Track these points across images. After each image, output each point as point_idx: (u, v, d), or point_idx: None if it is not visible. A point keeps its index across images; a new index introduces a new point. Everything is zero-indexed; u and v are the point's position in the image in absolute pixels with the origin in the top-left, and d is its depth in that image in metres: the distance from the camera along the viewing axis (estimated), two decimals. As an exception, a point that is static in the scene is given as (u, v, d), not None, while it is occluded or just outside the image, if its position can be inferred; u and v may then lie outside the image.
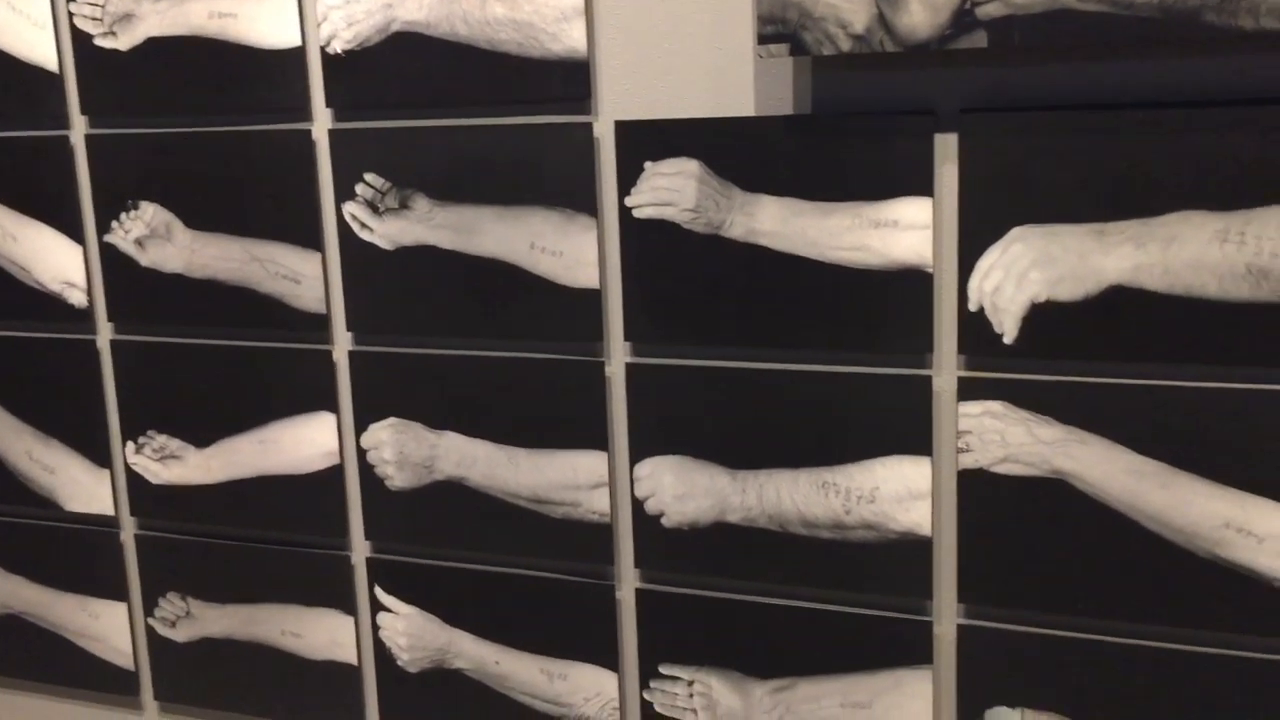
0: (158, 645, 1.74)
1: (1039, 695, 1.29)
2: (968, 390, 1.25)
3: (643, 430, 1.40)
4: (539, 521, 1.48)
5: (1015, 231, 1.20)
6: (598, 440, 1.43)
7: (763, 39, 1.18)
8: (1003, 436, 1.25)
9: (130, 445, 1.68)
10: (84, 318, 1.66)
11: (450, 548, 1.54)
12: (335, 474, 1.58)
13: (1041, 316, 1.21)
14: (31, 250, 1.67)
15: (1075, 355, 1.21)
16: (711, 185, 1.31)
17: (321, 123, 1.48)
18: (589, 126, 1.36)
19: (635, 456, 1.41)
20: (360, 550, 1.60)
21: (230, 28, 1.49)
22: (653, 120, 1.32)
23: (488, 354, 1.46)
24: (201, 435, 1.64)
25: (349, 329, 1.52)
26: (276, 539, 1.64)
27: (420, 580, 1.56)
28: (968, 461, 1.27)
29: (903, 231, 1.25)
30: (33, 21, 1.59)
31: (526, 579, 1.50)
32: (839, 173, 1.26)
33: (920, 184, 1.23)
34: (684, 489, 1.39)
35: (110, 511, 1.72)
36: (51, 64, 1.59)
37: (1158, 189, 1.15)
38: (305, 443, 1.58)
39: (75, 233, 1.64)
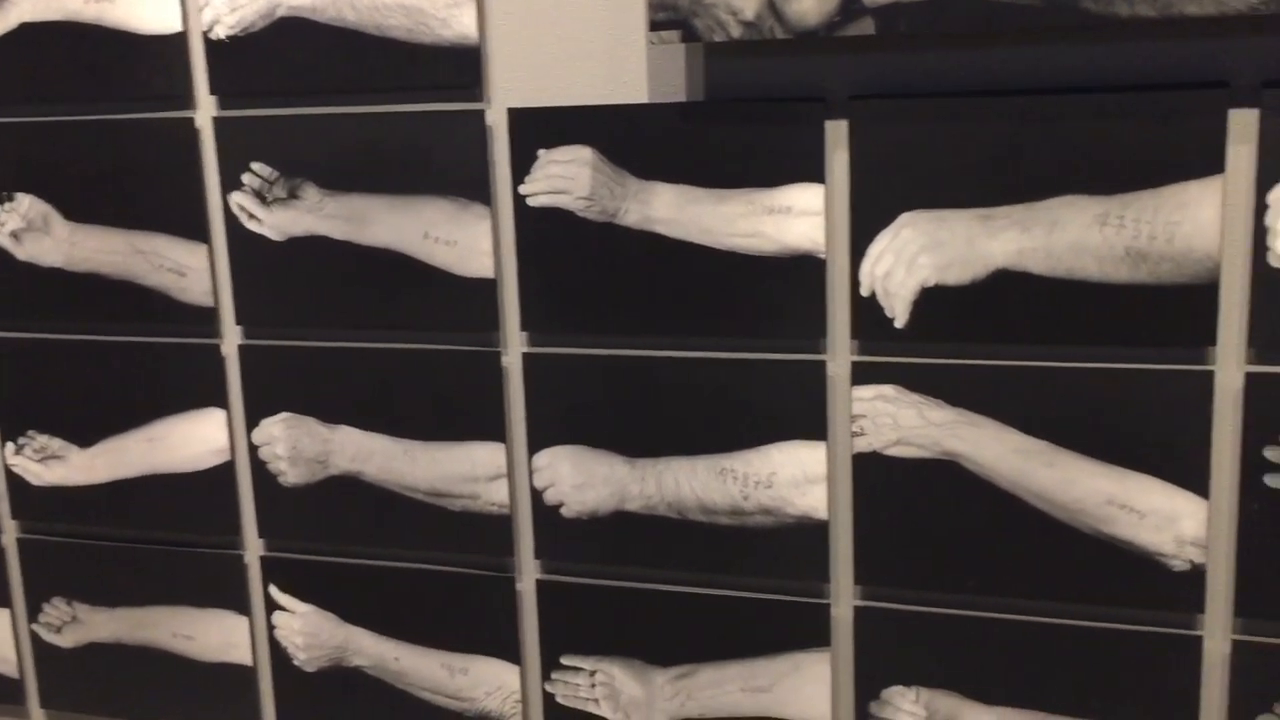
0: (43, 652, 1.68)
1: (935, 674, 1.31)
2: (861, 374, 1.27)
3: (540, 420, 1.39)
4: (437, 515, 1.46)
5: (905, 217, 1.22)
6: (495, 431, 1.41)
7: (654, 25, 1.18)
8: (895, 420, 1.26)
9: (10, 446, 1.62)
10: (-42, 314, 1.60)
11: (347, 544, 1.51)
12: (226, 471, 1.54)
13: (931, 301, 1.23)
14: (-100, 244, 1.60)
15: (964, 338, 1.23)
16: (606, 173, 1.30)
17: (205, 110, 1.44)
18: (481, 114, 1.34)
19: (534, 447, 1.40)
20: (254, 549, 1.56)
21: (108, 12, 1.44)
22: (546, 108, 1.31)
23: (382, 346, 1.44)
24: (85, 434, 1.59)
25: (238, 322, 1.48)
26: (166, 539, 1.60)
27: (316, 578, 1.53)
28: (862, 445, 1.28)
29: (796, 218, 1.26)
30: (-104, 5, 1.52)
31: (425, 573, 1.48)
32: (733, 160, 1.26)
33: (812, 170, 1.24)
34: (583, 478, 1.39)
35: (-11, 515, 1.66)
36: (-82, 49, 1.53)
37: (1040, 174, 1.17)
38: (194, 440, 1.54)
39: (-54, 226, 1.58)
